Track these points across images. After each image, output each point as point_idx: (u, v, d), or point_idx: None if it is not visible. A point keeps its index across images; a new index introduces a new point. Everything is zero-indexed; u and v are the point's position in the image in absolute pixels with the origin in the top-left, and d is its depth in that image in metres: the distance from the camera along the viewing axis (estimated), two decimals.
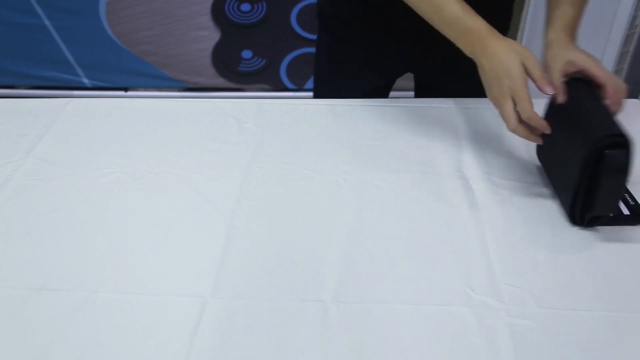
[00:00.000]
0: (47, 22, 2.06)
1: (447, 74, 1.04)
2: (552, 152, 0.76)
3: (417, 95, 1.14)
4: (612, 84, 0.73)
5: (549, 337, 0.58)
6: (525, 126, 0.72)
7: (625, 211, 0.75)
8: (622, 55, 1.86)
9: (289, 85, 2.12)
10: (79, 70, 2.17)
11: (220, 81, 2.17)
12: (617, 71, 1.89)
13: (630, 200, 0.76)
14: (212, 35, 2.05)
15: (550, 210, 0.75)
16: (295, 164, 0.85)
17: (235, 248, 0.70)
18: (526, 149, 0.87)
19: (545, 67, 0.75)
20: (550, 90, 0.72)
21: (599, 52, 1.90)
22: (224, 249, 0.70)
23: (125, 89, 2.23)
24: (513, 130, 0.72)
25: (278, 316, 0.61)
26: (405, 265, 0.67)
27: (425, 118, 0.96)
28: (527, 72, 0.71)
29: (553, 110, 0.76)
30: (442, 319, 0.60)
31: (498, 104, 0.73)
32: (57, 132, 0.94)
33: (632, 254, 0.69)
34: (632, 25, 1.80)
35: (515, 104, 0.71)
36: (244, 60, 2.11)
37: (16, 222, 0.75)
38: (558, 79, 0.73)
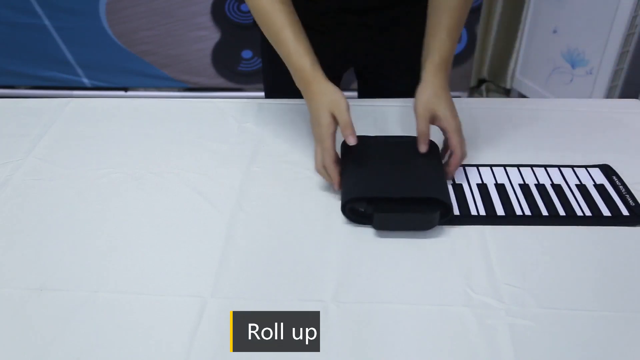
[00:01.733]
0: (47, 22, 2.06)
1: (390, 68, 1.05)
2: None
3: (360, 96, 1.14)
4: (459, 153, 0.77)
5: (549, 337, 0.58)
6: (326, 172, 0.77)
7: (625, 211, 0.75)
8: (622, 55, 1.86)
9: None
10: (79, 70, 2.17)
11: (220, 81, 2.17)
12: (617, 71, 1.89)
13: (630, 200, 0.76)
14: (212, 35, 2.05)
15: None
16: (295, 164, 0.85)
17: (235, 248, 0.70)
18: (526, 147, 0.88)
19: (415, 107, 0.78)
20: (352, 141, 0.74)
21: (599, 52, 1.90)
22: (224, 249, 0.70)
23: (125, 89, 2.23)
24: (317, 171, 0.79)
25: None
26: (405, 265, 0.67)
27: None
28: (336, 120, 0.75)
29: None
30: (442, 319, 0.60)
31: (315, 143, 0.78)
32: (57, 132, 0.94)
33: (632, 254, 0.69)
34: (632, 25, 1.79)
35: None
36: (244, 60, 2.11)
37: (16, 222, 0.75)
38: (423, 126, 0.77)
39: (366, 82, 1.12)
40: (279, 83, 1.06)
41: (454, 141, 0.77)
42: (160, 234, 0.72)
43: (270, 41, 0.82)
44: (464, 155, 0.79)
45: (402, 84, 0.99)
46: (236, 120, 0.96)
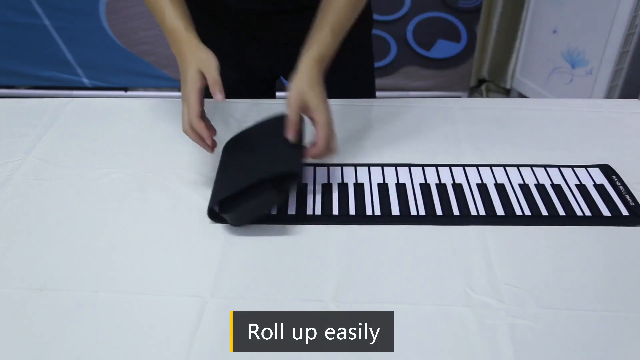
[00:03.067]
0: (47, 22, 2.06)
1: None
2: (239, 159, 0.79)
3: None
4: (321, 145, 0.75)
5: (549, 337, 0.58)
6: (194, 132, 0.75)
7: (625, 211, 0.75)
8: (622, 55, 1.86)
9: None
10: (79, 70, 2.17)
11: None
12: (617, 71, 1.89)
13: (630, 200, 0.76)
14: None
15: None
16: None
17: (235, 248, 0.70)
18: (526, 148, 0.88)
19: (288, 96, 0.77)
20: (220, 98, 0.74)
21: (599, 52, 1.90)
22: (224, 248, 0.70)
23: (125, 89, 2.23)
24: (184, 132, 0.76)
25: None
26: (405, 265, 0.67)
27: (425, 118, 0.96)
28: (205, 79, 0.75)
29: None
30: (442, 319, 0.60)
31: (182, 104, 0.77)
32: (57, 132, 0.94)
33: (632, 254, 0.69)
34: (632, 25, 1.80)
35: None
36: None
37: (16, 222, 0.75)
38: (293, 114, 0.76)
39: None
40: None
41: (320, 133, 0.75)
42: (160, 233, 0.72)
43: (149, 8, 0.82)
44: (330, 150, 0.77)
45: (330, 93, 1.00)
46: (236, 120, 0.96)
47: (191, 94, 0.75)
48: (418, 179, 0.81)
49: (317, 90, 0.77)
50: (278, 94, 1.18)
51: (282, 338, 0.58)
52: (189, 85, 0.75)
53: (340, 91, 1.04)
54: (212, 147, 0.76)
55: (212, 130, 0.77)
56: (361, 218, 0.74)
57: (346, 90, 1.05)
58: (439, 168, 0.83)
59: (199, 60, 0.76)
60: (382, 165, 0.83)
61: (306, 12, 0.85)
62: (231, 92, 1.04)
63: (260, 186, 0.71)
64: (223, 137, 0.91)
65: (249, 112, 0.98)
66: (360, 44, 1.06)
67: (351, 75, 1.08)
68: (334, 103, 0.99)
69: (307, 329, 0.59)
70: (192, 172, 0.83)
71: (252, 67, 0.93)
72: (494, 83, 2.44)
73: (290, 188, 0.77)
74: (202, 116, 0.76)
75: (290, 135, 0.76)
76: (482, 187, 0.79)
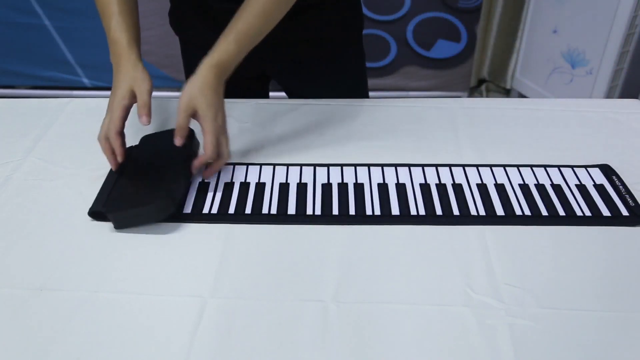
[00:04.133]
0: (47, 22, 2.06)
1: (298, 77, 1.06)
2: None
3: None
4: (208, 153, 0.76)
5: (549, 337, 0.58)
6: (108, 144, 0.77)
7: (625, 212, 0.75)
8: (622, 55, 1.86)
9: None
10: (79, 70, 2.17)
11: None
12: (617, 71, 1.89)
13: (630, 200, 0.76)
14: None
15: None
16: (295, 164, 0.84)
17: (235, 248, 0.70)
18: (526, 148, 0.88)
19: (179, 100, 0.78)
20: (145, 121, 0.77)
21: (599, 52, 1.90)
22: (224, 248, 0.70)
23: None
24: (98, 140, 0.78)
25: (278, 316, 0.61)
26: (405, 265, 0.67)
27: (425, 118, 0.96)
28: (134, 98, 0.78)
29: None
30: (442, 319, 0.60)
31: (106, 114, 0.79)
32: (57, 132, 0.94)
33: (632, 254, 0.69)
34: (632, 25, 1.80)
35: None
36: None
37: (16, 222, 0.75)
38: (181, 120, 0.77)
39: (288, 93, 1.13)
40: None
41: (205, 139, 0.76)
42: (161, 233, 0.72)
43: (98, 9, 0.83)
44: (220, 156, 0.78)
45: (319, 94, 1.01)
46: (236, 120, 0.96)
47: (116, 110, 0.77)
48: (418, 179, 0.81)
49: (209, 96, 0.77)
50: (272, 94, 1.18)
51: (282, 338, 0.58)
52: (117, 100, 0.77)
53: (330, 91, 1.04)
54: (117, 165, 0.78)
55: (124, 148, 0.78)
56: (361, 218, 0.74)
57: (336, 90, 1.05)
58: (439, 168, 0.83)
59: (133, 79, 0.78)
60: (382, 165, 0.83)
61: (295, 14, 0.85)
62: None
63: (151, 194, 0.72)
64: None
65: (249, 112, 0.98)
66: (349, 43, 1.05)
67: (340, 76, 1.07)
68: (335, 103, 1.00)
69: (307, 329, 0.59)
70: None
71: (241, 68, 0.93)
72: (494, 83, 2.44)
73: (181, 198, 0.76)
74: (121, 132, 0.77)
75: (177, 141, 0.77)
76: (482, 187, 0.79)
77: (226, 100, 0.96)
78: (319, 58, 0.96)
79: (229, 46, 0.80)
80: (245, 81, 1.09)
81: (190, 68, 1.10)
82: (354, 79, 1.10)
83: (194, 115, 0.77)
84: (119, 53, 0.80)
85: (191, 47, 1.08)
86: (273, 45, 0.96)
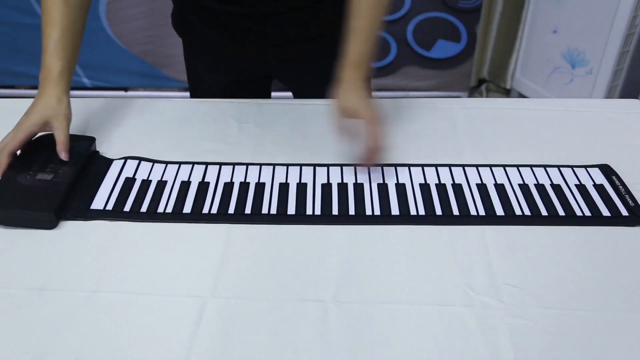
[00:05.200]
0: None
1: (302, 77, 1.07)
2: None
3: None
4: (370, 143, 0.78)
5: (549, 337, 0.58)
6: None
7: (625, 212, 0.75)
8: (622, 55, 1.86)
9: None
10: (79, 70, 2.17)
11: None
12: (617, 71, 1.89)
13: (630, 200, 0.76)
14: None
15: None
16: (295, 164, 0.84)
17: (235, 248, 0.70)
18: (526, 148, 0.88)
19: (332, 105, 0.81)
20: (65, 157, 0.78)
21: (599, 52, 1.90)
22: (224, 248, 0.70)
23: (125, 89, 2.23)
24: None
25: (278, 316, 0.61)
26: (405, 265, 0.67)
27: (425, 118, 0.96)
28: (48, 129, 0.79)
29: None
30: (442, 319, 0.60)
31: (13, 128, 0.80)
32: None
33: (631, 254, 0.69)
34: (632, 25, 1.80)
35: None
36: None
37: None
38: (340, 122, 0.80)
39: (294, 93, 1.13)
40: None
41: (368, 131, 0.78)
42: (161, 233, 0.72)
43: (42, 29, 0.82)
44: (375, 145, 0.79)
45: (323, 94, 1.01)
46: (236, 120, 0.96)
47: (22, 133, 0.78)
48: (418, 179, 0.81)
49: (357, 93, 0.81)
50: (274, 93, 1.17)
51: (282, 338, 0.58)
52: (27, 124, 0.78)
53: (326, 93, 1.04)
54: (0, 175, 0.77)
55: (4, 169, 0.77)
56: (361, 218, 0.74)
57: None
58: (439, 168, 0.83)
59: (53, 113, 0.79)
60: (382, 165, 0.83)
61: (294, 12, 0.85)
62: (225, 93, 1.05)
63: (41, 201, 0.73)
64: (223, 137, 0.91)
65: (249, 112, 0.98)
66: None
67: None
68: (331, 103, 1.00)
69: (307, 329, 0.59)
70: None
71: (245, 69, 0.93)
72: (494, 83, 2.44)
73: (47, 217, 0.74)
74: (13, 154, 0.78)
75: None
76: (482, 187, 0.79)
77: (226, 100, 0.96)
78: (324, 56, 0.97)
79: (360, 47, 0.82)
80: (248, 83, 1.09)
81: (192, 69, 1.11)
82: None
83: (349, 114, 0.80)
84: (47, 80, 0.80)
85: (194, 48, 1.08)
86: (277, 45, 0.96)
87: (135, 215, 0.74)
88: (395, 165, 0.83)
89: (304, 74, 1.06)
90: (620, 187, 0.79)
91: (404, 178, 0.81)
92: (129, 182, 0.80)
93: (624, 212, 0.75)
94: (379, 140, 0.78)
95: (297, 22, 0.94)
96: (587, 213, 0.75)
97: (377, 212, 0.75)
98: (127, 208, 0.75)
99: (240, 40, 0.99)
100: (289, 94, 1.13)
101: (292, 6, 0.91)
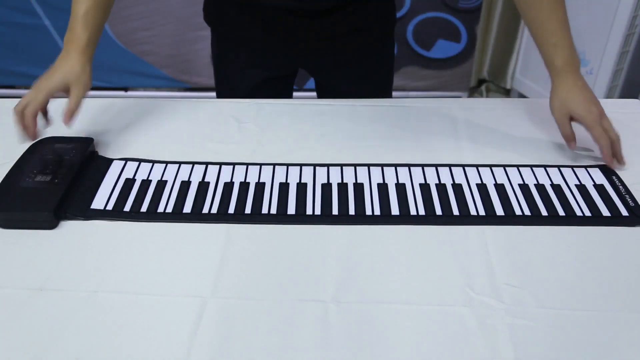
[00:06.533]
0: (47, 22, 2.06)
1: (336, 70, 1.07)
2: None
3: (319, 96, 1.15)
4: (603, 143, 0.81)
5: (549, 337, 0.58)
6: (22, 117, 0.79)
7: (625, 212, 0.75)
8: (622, 55, 1.86)
9: None
10: None
11: None
12: (617, 71, 1.89)
13: (630, 201, 0.76)
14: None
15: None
16: (295, 164, 0.84)
17: (235, 248, 0.70)
18: (526, 148, 0.88)
19: (552, 114, 0.84)
20: (66, 121, 0.78)
21: (599, 52, 1.90)
22: (224, 248, 0.70)
23: (125, 89, 2.23)
24: (14, 109, 0.80)
25: (278, 316, 0.61)
26: (405, 265, 0.67)
27: (425, 117, 0.96)
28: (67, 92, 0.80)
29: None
30: (442, 319, 0.60)
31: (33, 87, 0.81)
32: (57, 132, 0.93)
33: (631, 254, 0.69)
34: (632, 25, 1.80)
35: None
36: None
37: None
38: (564, 130, 0.83)
39: (321, 86, 1.13)
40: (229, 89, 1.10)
41: (594, 134, 0.81)
42: (161, 233, 0.72)
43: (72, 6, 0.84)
44: (611, 141, 0.81)
45: (354, 87, 1.01)
46: (236, 120, 0.96)
47: (41, 93, 0.79)
48: (418, 179, 0.81)
49: (576, 96, 0.82)
50: (295, 93, 1.17)
51: (282, 338, 0.58)
52: (48, 85, 0.79)
53: (366, 82, 1.04)
54: (32, 137, 0.80)
55: (35, 130, 0.80)
56: (361, 218, 0.74)
57: (371, 82, 1.07)
58: (439, 168, 0.83)
59: (75, 78, 0.80)
60: (382, 165, 0.83)
61: (340, 10, 0.84)
62: (253, 91, 1.05)
63: (40, 201, 0.73)
64: (223, 137, 0.91)
65: (249, 112, 0.98)
66: (386, 35, 1.07)
67: (377, 67, 1.09)
68: (335, 103, 1.00)
69: (307, 329, 0.59)
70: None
71: (282, 63, 0.93)
72: (494, 83, 2.44)
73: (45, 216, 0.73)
74: (35, 115, 0.79)
75: (572, 145, 0.83)
76: (482, 187, 0.79)
77: (227, 100, 0.96)
78: (358, 51, 0.96)
79: (567, 50, 0.83)
80: (279, 81, 1.09)
81: (220, 62, 1.10)
82: (387, 69, 1.12)
83: (572, 119, 0.82)
84: (75, 46, 0.81)
85: (224, 42, 1.07)
86: (324, 40, 0.96)
87: (135, 215, 0.74)
88: (395, 165, 0.83)
89: (337, 68, 1.06)
90: (620, 187, 0.79)
91: (404, 178, 0.81)
92: (129, 182, 0.80)
93: (624, 212, 0.75)
94: (612, 136, 0.81)
95: (346, 16, 0.94)
96: (587, 213, 0.75)
97: (377, 212, 0.75)
98: (127, 208, 0.75)
99: (283, 36, 0.98)
100: (310, 93, 1.13)
101: (343, 4, 0.90)
